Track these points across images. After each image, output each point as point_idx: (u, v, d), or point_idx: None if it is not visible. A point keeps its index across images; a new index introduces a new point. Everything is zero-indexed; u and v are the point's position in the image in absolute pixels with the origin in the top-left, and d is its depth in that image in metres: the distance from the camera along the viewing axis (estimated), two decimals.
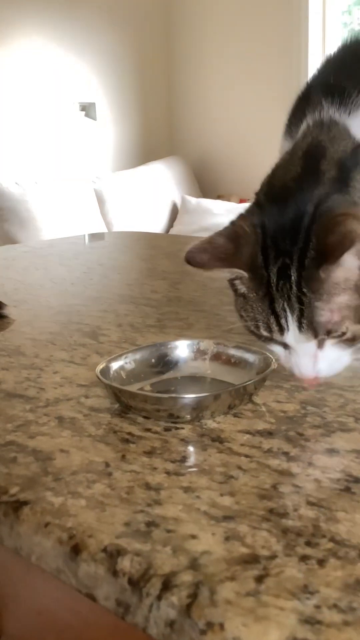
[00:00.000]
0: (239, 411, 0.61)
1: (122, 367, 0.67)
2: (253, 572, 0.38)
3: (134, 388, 0.65)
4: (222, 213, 3.63)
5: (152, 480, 0.49)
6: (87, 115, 4.16)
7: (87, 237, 1.91)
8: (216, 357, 0.70)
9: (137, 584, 0.39)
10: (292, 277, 0.57)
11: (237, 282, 0.62)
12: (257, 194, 0.65)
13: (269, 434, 0.56)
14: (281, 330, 0.58)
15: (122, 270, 1.42)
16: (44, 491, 0.49)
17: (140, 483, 0.49)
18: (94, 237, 2.04)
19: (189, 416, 0.58)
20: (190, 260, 0.59)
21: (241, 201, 3.95)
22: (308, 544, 0.41)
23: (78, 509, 0.46)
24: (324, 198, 0.58)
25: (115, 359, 0.67)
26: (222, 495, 0.47)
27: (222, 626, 0.35)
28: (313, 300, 0.56)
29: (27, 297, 1.14)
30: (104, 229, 3.69)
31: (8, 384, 0.71)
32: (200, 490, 0.48)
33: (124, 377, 0.66)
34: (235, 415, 0.60)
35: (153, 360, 0.70)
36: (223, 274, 0.62)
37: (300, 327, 0.57)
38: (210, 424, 0.59)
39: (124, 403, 0.61)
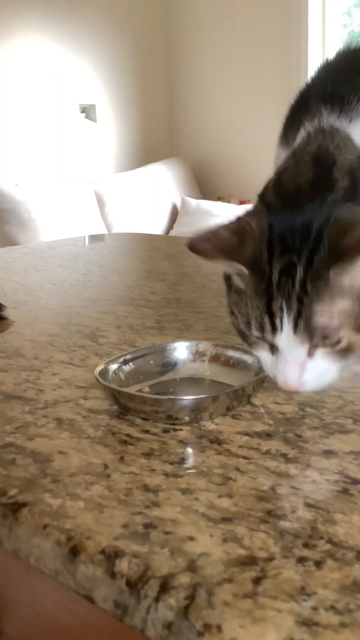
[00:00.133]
0: (237, 413, 0.61)
1: (120, 369, 0.67)
2: (250, 574, 0.38)
3: (132, 390, 0.65)
4: (222, 215, 3.63)
5: (151, 482, 0.49)
6: (87, 116, 4.17)
7: (86, 239, 1.91)
8: (215, 358, 0.70)
9: (135, 585, 0.39)
10: (297, 276, 0.57)
11: (235, 277, 0.62)
12: (261, 196, 0.65)
13: (267, 435, 0.56)
14: (274, 330, 0.58)
15: (122, 272, 1.42)
16: (43, 493, 0.49)
17: (138, 485, 0.49)
18: (94, 238, 2.04)
19: (187, 418, 0.58)
20: (192, 247, 0.59)
21: (241, 203, 3.95)
22: (305, 545, 0.41)
23: (76, 510, 0.46)
24: (339, 204, 0.59)
25: (114, 360, 0.68)
26: (220, 496, 0.47)
27: (219, 628, 0.35)
28: (314, 301, 0.56)
29: (26, 298, 1.14)
30: (104, 231, 3.69)
31: (7, 385, 0.71)
32: (199, 491, 0.48)
33: (123, 379, 0.67)
34: (233, 417, 0.60)
35: (152, 362, 0.70)
36: (223, 266, 0.62)
37: (295, 328, 0.57)
38: (209, 425, 0.59)
39: (123, 405, 0.61)
